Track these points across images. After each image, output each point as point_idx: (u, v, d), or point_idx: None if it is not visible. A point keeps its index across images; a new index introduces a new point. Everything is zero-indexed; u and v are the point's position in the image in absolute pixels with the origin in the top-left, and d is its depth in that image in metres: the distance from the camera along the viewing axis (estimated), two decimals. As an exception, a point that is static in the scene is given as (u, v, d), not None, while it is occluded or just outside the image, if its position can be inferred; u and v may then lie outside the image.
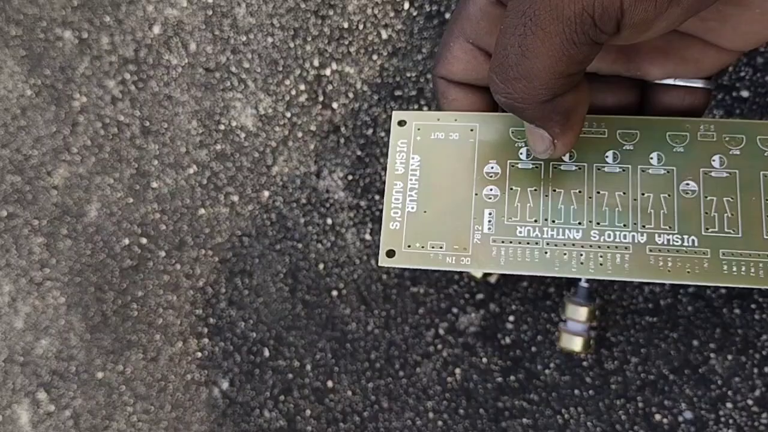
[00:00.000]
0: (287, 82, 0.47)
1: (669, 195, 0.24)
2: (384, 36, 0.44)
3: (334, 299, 0.46)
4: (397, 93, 0.44)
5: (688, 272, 0.23)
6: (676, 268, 0.23)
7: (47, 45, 0.55)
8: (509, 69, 0.19)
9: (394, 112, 0.26)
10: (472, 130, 0.26)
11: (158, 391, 0.52)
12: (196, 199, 0.50)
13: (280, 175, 0.47)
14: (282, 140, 0.47)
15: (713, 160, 0.24)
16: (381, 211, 0.45)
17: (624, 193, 0.24)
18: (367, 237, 0.45)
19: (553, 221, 0.24)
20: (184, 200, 0.50)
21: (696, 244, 0.23)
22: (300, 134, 0.47)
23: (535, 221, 0.24)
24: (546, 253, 0.24)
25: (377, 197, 0.45)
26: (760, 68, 0.38)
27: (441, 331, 0.44)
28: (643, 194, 0.24)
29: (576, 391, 0.41)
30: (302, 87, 0.47)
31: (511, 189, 0.25)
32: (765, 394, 0.38)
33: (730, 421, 0.38)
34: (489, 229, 0.24)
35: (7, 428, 0.57)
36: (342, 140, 0.46)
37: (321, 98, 0.46)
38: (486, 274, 0.40)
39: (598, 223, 0.24)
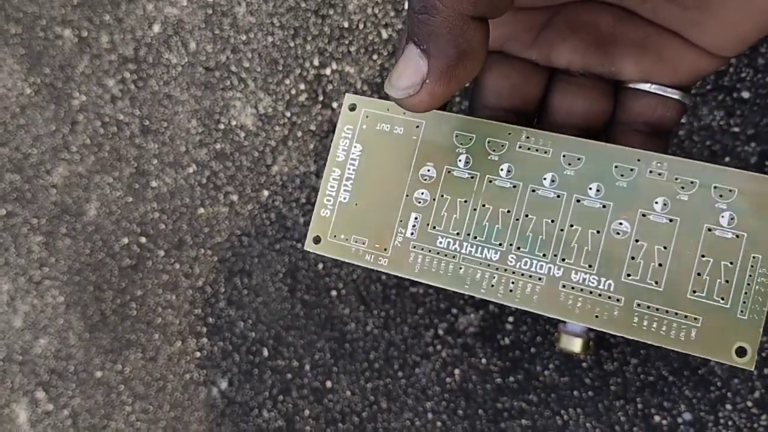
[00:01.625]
0: (287, 81, 0.47)
1: (598, 232, 0.22)
2: (384, 35, 0.44)
3: (333, 299, 0.46)
4: (397, 93, 0.44)
5: (596, 317, 0.22)
6: (585, 309, 0.22)
7: (47, 43, 0.55)
8: None
9: (347, 94, 0.26)
10: (417, 126, 0.25)
11: (157, 390, 0.52)
12: (195, 199, 0.50)
13: (280, 175, 0.47)
14: (282, 140, 0.47)
15: (656, 202, 0.22)
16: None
17: (552, 221, 0.23)
18: (367, 237, 0.45)
19: (475, 237, 0.24)
20: (183, 199, 0.50)
21: (612, 288, 0.22)
22: (300, 134, 0.47)
23: (457, 234, 0.24)
24: (460, 269, 0.23)
25: (377, 197, 0.45)
26: (761, 69, 0.38)
27: (440, 332, 0.44)
28: (571, 226, 0.23)
29: (575, 392, 0.41)
30: (302, 86, 0.47)
31: (442, 196, 0.24)
32: (764, 395, 0.37)
33: (730, 422, 0.38)
34: (412, 234, 0.24)
35: (6, 427, 0.57)
36: (342, 140, 0.46)
37: (321, 98, 0.46)
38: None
39: (518, 248, 0.23)
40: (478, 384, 0.43)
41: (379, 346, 0.45)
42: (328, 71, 0.46)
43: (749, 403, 0.38)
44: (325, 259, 0.46)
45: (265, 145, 0.48)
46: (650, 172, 0.22)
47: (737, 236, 0.21)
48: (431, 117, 0.25)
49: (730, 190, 0.21)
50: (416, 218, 0.24)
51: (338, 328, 0.46)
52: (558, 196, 0.23)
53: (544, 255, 0.23)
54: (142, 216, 0.52)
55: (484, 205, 0.24)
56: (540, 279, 0.23)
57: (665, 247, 0.22)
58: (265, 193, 0.48)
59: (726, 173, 0.21)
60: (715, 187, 0.22)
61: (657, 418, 0.39)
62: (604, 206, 0.23)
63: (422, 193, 0.24)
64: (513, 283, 0.23)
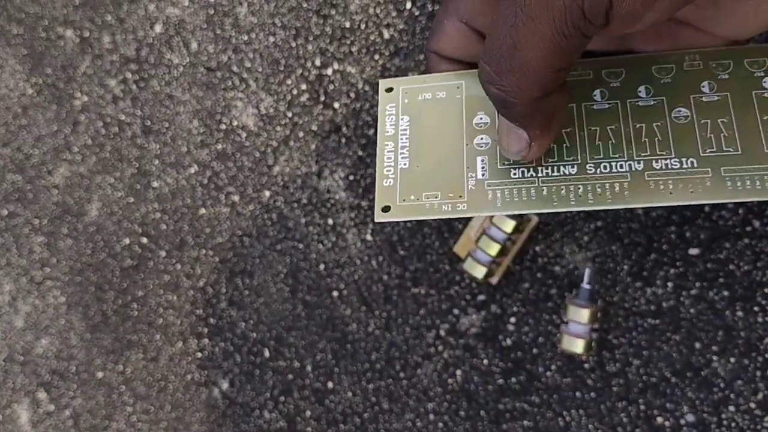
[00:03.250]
0: (289, 81, 0.47)
1: (662, 123, 0.24)
2: (386, 36, 0.44)
3: (334, 300, 0.46)
4: (399, 93, 0.44)
5: (692, 192, 0.23)
6: (678, 189, 0.23)
7: (48, 44, 0.55)
8: (502, 61, 0.19)
9: (380, 80, 0.27)
10: (458, 87, 0.26)
11: (158, 391, 0.52)
12: (197, 199, 0.50)
13: (281, 175, 0.47)
14: (283, 140, 0.47)
15: (702, 87, 0.24)
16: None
17: (615, 127, 0.24)
18: (368, 237, 0.45)
19: (547, 160, 0.24)
20: (184, 200, 0.50)
21: (695, 165, 0.23)
22: (301, 134, 0.47)
23: (529, 163, 0.24)
24: (543, 190, 0.24)
25: (378, 197, 0.45)
26: None
27: (442, 333, 0.44)
28: (635, 125, 0.24)
29: (577, 394, 0.41)
30: (304, 87, 0.47)
31: None
32: (768, 397, 0.37)
33: (733, 424, 0.38)
34: (483, 174, 0.25)
35: (7, 428, 0.57)
36: (343, 140, 0.46)
37: (322, 98, 0.46)
38: (487, 275, 0.40)
39: (593, 157, 0.24)
40: (479, 385, 0.43)
41: (380, 347, 0.45)
42: (329, 71, 0.46)
43: (752, 405, 0.37)
44: (327, 259, 0.46)
45: (267, 145, 0.48)
46: (686, 65, 0.24)
47: None
48: (469, 76, 0.26)
49: (763, 61, 0.24)
50: (483, 160, 0.25)
51: (340, 328, 0.46)
52: (612, 106, 0.25)
53: (619, 156, 0.24)
54: (143, 216, 0.52)
55: (565, 104, 0.24)
56: (625, 176, 0.24)
57: (727, 119, 0.24)
58: (267, 193, 0.48)
59: (753, 49, 0.24)
60: (747, 62, 0.24)
61: (659, 420, 0.39)
62: (657, 102, 0.24)
63: (482, 138, 0.25)
64: (599, 187, 0.24)
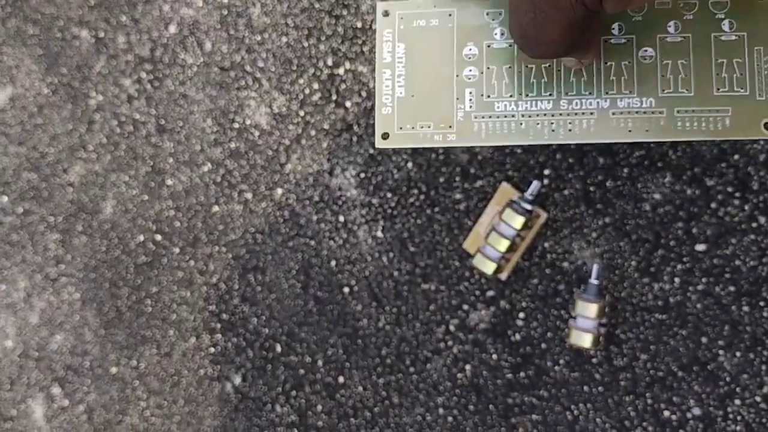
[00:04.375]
0: (301, 81, 0.48)
1: (629, 62, 0.25)
2: (397, 36, 0.45)
3: (345, 296, 0.47)
4: (410, 92, 0.45)
5: (647, 131, 0.25)
6: (636, 127, 0.25)
7: (64, 44, 0.56)
8: (532, 39, 0.23)
9: (378, 2, 0.28)
10: (450, 15, 0.27)
11: (171, 386, 0.53)
12: (210, 197, 0.51)
13: (294, 173, 0.48)
14: (295, 138, 0.48)
15: (669, 27, 0.25)
16: (393, 208, 0.45)
17: (589, 63, 0.26)
18: (379, 234, 0.46)
19: (527, 95, 0.26)
20: (198, 197, 0.51)
21: (653, 105, 0.25)
22: (313, 132, 0.47)
23: (511, 96, 0.26)
24: (521, 124, 0.26)
25: (389, 195, 0.45)
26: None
27: (451, 328, 0.44)
28: (606, 63, 0.26)
29: (585, 388, 0.41)
30: (316, 86, 0.47)
31: (488, 68, 0.27)
32: (773, 391, 0.38)
33: (739, 417, 0.38)
34: (470, 107, 0.26)
35: (22, 422, 0.58)
36: (355, 138, 0.46)
37: (334, 97, 0.47)
38: (497, 271, 0.41)
39: (567, 93, 0.26)
40: (489, 379, 0.43)
41: (391, 342, 0.46)
42: (341, 71, 0.47)
43: (758, 398, 0.38)
44: (338, 255, 0.47)
45: (279, 143, 0.48)
46: (657, 3, 0.26)
47: (738, 37, 0.25)
48: (460, 4, 0.27)
49: (725, 2, 0.25)
50: (471, 92, 0.27)
51: (351, 324, 0.47)
52: None
53: (590, 93, 0.26)
54: (157, 214, 0.52)
55: (527, 66, 0.26)
56: (592, 113, 0.26)
57: (686, 61, 0.25)
58: (279, 191, 0.49)
59: None
60: (711, 3, 0.25)
61: (666, 414, 0.40)
62: (628, 40, 0.26)
63: (470, 70, 0.27)
64: (570, 123, 0.26)
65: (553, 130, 0.26)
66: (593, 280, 0.39)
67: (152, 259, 0.53)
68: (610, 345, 0.41)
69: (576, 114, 0.25)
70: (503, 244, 0.40)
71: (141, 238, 0.53)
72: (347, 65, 0.46)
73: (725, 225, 0.38)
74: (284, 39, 0.48)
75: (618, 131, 0.25)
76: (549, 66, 0.26)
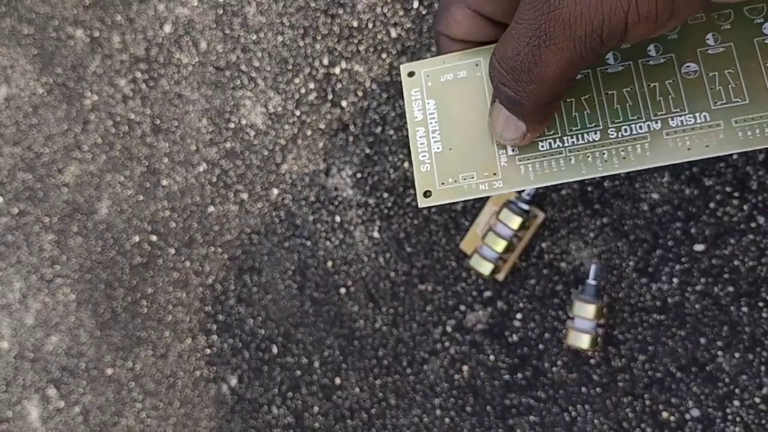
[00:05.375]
0: (297, 80, 0.47)
1: (673, 80, 0.25)
2: (393, 34, 0.45)
3: (342, 296, 0.47)
4: (406, 91, 0.44)
5: (707, 146, 0.24)
6: (695, 144, 0.24)
7: (59, 44, 0.55)
8: (522, 73, 0.22)
9: (401, 65, 0.28)
10: (477, 64, 0.27)
11: (167, 387, 0.52)
12: (205, 197, 0.50)
13: (290, 173, 0.48)
14: (291, 138, 0.48)
15: (707, 39, 0.25)
16: (389, 208, 0.45)
17: (631, 88, 0.25)
18: (376, 235, 0.45)
19: (571, 129, 0.25)
20: (194, 198, 0.51)
21: (708, 119, 0.24)
22: (309, 132, 0.47)
23: (553, 133, 0.25)
24: (570, 159, 0.25)
25: (386, 195, 0.45)
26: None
27: (449, 329, 0.44)
28: (649, 85, 0.25)
29: (583, 389, 0.41)
30: (312, 85, 0.47)
31: None
32: (772, 392, 0.38)
33: (737, 419, 0.38)
34: (513, 150, 0.26)
35: (17, 424, 0.58)
36: (351, 138, 0.46)
37: (330, 96, 0.47)
38: (494, 272, 0.40)
39: (613, 121, 0.25)
40: (486, 380, 0.43)
41: (387, 343, 0.45)
42: (337, 70, 0.46)
43: (757, 400, 0.38)
44: (335, 256, 0.47)
45: (275, 143, 0.48)
46: (689, 19, 0.25)
47: None
48: (486, 52, 0.27)
49: (761, 7, 0.24)
50: None
51: (347, 325, 0.47)
52: (626, 67, 0.25)
53: (637, 117, 0.25)
54: (152, 214, 0.52)
55: (566, 101, 0.26)
56: (645, 138, 0.25)
57: (733, 69, 0.24)
58: (275, 191, 0.48)
59: None
60: (746, 9, 0.25)
61: (665, 415, 0.39)
62: (666, 59, 0.25)
63: None
64: (623, 151, 0.25)
65: (605, 161, 0.25)
66: (591, 281, 0.39)
67: (148, 260, 0.52)
68: (608, 346, 0.40)
69: (628, 141, 0.25)
70: (500, 245, 0.40)
71: (136, 238, 0.53)
72: (343, 65, 0.46)
73: (724, 225, 0.38)
74: (280, 38, 0.48)
75: (676, 152, 0.24)
76: (589, 97, 0.25)
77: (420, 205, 0.26)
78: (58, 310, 0.56)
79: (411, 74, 0.27)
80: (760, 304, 0.38)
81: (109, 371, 0.54)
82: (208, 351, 0.51)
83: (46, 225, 0.56)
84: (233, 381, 0.50)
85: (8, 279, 0.58)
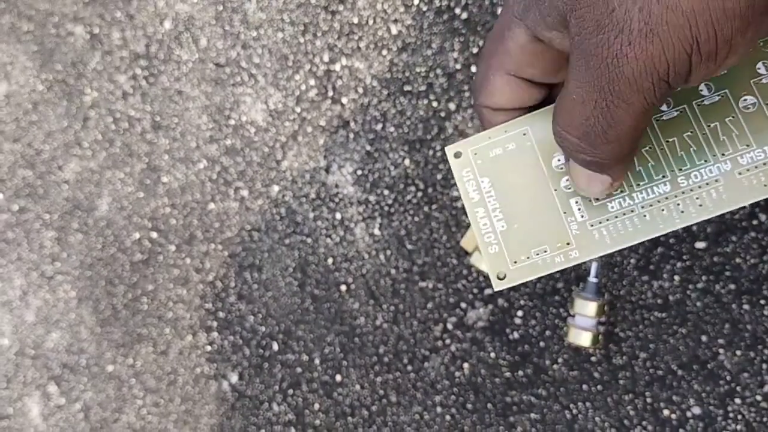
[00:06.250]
0: (297, 77, 0.47)
1: (733, 116, 0.24)
2: (394, 31, 0.45)
3: (342, 294, 0.47)
4: (407, 88, 0.44)
5: None
6: None
7: (59, 40, 0.55)
8: (597, 137, 0.21)
9: (446, 147, 0.27)
10: (524, 134, 0.26)
11: (168, 384, 0.52)
12: (206, 194, 0.50)
13: (290, 170, 0.48)
14: (292, 135, 0.48)
15: (759, 69, 0.24)
16: (390, 205, 0.45)
17: (692, 132, 0.24)
18: (376, 232, 0.45)
19: (638, 184, 0.24)
20: (194, 195, 0.51)
21: None
22: (309, 129, 0.47)
23: (621, 191, 0.24)
24: (645, 216, 0.24)
25: (386, 192, 0.45)
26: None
27: (449, 326, 0.44)
28: (709, 126, 0.24)
29: (584, 386, 0.41)
30: (312, 82, 0.47)
31: None
32: (774, 390, 0.38)
33: (739, 416, 0.38)
34: (582, 216, 0.24)
35: (18, 421, 0.58)
36: (351, 135, 0.46)
37: (331, 93, 0.46)
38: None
39: (681, 169, 0.24)
40: (487, 378, 0.43)
41: (388, 341, 0.45)
42: (337, 67, 0.46)
43: (758, 397, 0.38)
44: (335, 253, 0.47)
45: (275, 140, 0.48)
46: None
47: None
48: (531, 120, 0.26)
49: None
50: (576, 202, 0.25)
51: (348, 322, 0.46)
52: (681, 112, 0.24)
53: (705, 161, 0.24)
54: (153, 211, 0.52)
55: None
56: (717, 180, 0.23)
57: None
58: (276, 188, 0.48)
59: None
60: None
61: (666, 412, 0.39)
62: (721, 96, 0.24)
63: (567, 180, 0.25)
64: (698, 198, 0.24)
65: (682, 211, 0.24)
66: (592, 278, 0.39)
67: (148, 257, 0.52)
68: (609, 343, 0.40)
69: (700, 187, 0.24)
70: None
71: (137, 235, 0.53)
72: (344, 61, 0.46)
73: (725, 222, 0.38)
74: (280, 35, 0.48)
75: (753, 189, 0.23)
76: (650, 148, 0.24)
77: (495, 289, 0.25)
78: (58, 307, 0.56)
79: (458, 155, 0.26)
80: (762, 301, 0.37)
81: (110, 368, 0.54)
82: (208, 348, 0.51)
83: (47, 222, 0.56)
84: (234, 378, 0.50)
85: (9, 276, 0.58)
